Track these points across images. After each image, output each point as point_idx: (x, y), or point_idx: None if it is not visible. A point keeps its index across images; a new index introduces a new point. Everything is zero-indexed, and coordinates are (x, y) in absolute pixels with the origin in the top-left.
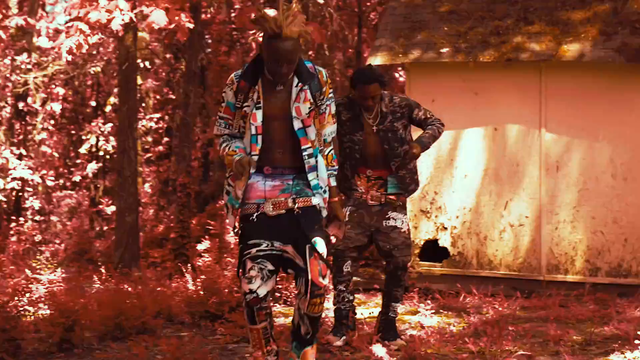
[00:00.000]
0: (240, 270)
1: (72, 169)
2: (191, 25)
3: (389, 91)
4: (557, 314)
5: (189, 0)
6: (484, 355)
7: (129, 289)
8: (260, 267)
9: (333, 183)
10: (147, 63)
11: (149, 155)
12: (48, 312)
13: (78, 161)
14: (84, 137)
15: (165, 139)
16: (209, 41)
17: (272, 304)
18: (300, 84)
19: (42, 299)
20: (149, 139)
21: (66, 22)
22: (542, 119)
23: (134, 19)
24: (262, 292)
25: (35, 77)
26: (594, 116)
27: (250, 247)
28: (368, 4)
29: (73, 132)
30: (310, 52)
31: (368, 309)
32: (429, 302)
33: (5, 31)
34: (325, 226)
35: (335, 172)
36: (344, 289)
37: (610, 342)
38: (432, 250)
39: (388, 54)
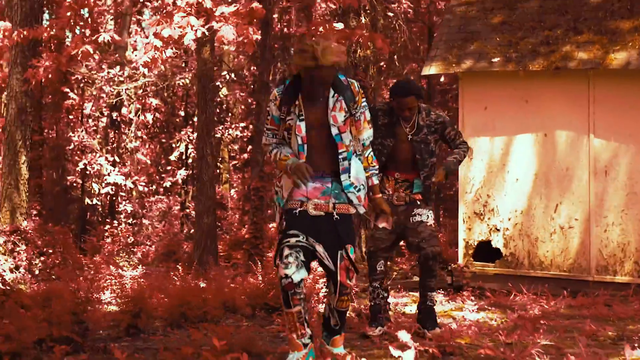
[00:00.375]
0: (278, 256)
1: (163, 175)
2: (257, 37)
3: (428, 105)
4: (600, 312)
5: (258, 16)
6: (511, 346)
7: (201, 284)
8: (296, 255)
9: (375, 181)
10: (232, 75)
11: (234, 162)
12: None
13: (169, 168)
14: (174, 145)
15: (250, 147)
16: (292, 53)
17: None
18: (336, 95)
19: (114, 289)
20: (236, 147)
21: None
22: (591, 125)
23: (207, 34)
24: (296, 278)
25: (127, 89)
26: None
27: (289, 236)
28: (440, 20)
29: (164, 140)
30: (382, 63)
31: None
32: (472, 298)
33: (95, 47)
34: (374, 220)
35: (376, 171)
36: (378, 286)
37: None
38: (486, 251)
39: (442, 64)
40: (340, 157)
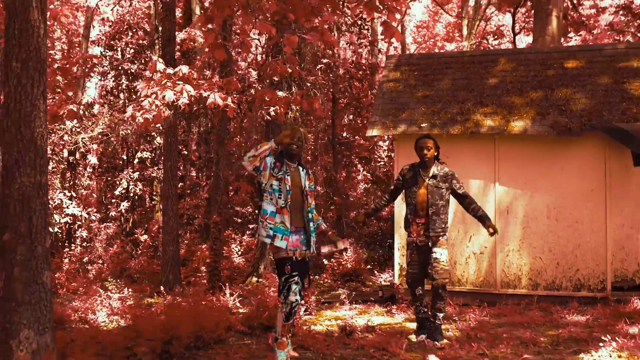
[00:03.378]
0: (286, 289)
1: (108, 207)
2: (234, 106)
3: (444, 163)
4: (519, 319)
5: (234, 88)
6: (497, 358)
7: (203, 305)
8: (300, 286)
9: (324, 226)
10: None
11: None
12: (126, 324)
13: (113, 201)
14: (117, 182)
15: (180, 184)
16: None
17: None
18: (305, 170)
19: (117, 313)
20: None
21: (137, 99)
22: (496, 175)
23: (195, 98)
24: (300, 300)
25: (83, 138)
26: (534, 174)
27: (294, 275)
28: (340, 87)
29: (109, 178)
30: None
31: (371, 316)
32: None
33: (78, 107)
34: (335, 246)
35: (322, 221)
36: (419, 304)
37: (570, 343)
38: None
39: (381, 127)
40: (309, 211)
